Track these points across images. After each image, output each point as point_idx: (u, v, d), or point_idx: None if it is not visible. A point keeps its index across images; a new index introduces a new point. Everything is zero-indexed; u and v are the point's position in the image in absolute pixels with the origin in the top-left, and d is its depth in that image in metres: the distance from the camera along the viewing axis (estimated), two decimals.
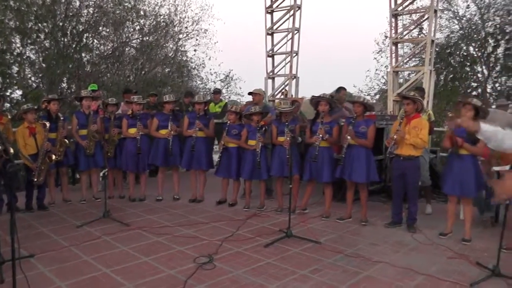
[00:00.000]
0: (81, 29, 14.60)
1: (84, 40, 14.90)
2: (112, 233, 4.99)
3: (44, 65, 13.68)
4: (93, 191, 6.74)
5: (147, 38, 17.09)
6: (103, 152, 6.33)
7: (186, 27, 18.50)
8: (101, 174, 5.71)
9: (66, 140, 6.15)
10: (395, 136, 5.18)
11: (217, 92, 9.94)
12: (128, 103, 6.84)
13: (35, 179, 5.74)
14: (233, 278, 3.80)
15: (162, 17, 17.47)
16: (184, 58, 19.08)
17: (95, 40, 15.69)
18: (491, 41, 15.90)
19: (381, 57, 17.95)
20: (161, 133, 6.48)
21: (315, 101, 5.81)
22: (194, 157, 6.39)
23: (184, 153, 6.47)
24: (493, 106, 11.54)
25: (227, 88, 20.34)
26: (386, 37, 16.47)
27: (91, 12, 14.86)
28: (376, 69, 18.94)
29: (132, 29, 16.72)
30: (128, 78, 16.70)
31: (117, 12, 15.58)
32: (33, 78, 14.20)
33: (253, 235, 5.03)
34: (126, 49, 16.85)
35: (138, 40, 17.12)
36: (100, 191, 6.47)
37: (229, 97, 19.89)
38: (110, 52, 16.17)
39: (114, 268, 3.96)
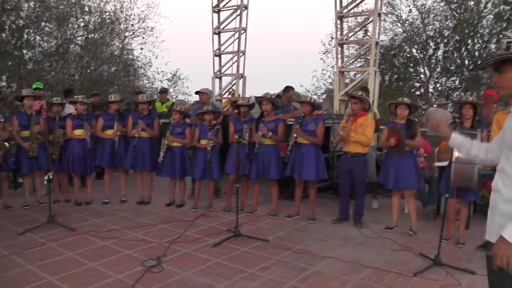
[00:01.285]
0: (21, 24, 13.90)
1: (25, 36, 14.21)
2: (57, 239, 4.80)
3: None
4: (37, 196, 6.43)
5: (92, 35, 16.63)
6: (47, 154, 6.06)
7: (133, 25, 18.20)
8: (45, 177, 5.47)
9: (6, 143, 5.84)
10: (341, 132, 5.35)
11: (164, 91, 9.82)
12: (72, 102, 6.60)
13: None
14: (181, 280, 3.78)
15: (107, 14, 17.08)
16: (131, 57, 18.78)
17: (37, 36, 15.02)
18: (431, 44, 16.75)
19: (328, 57, 18.50)
20: (107, 134, 6.33)
21: (258, 101, 5.91)
22: (137, 157, 6.27)
23: (128, 154, 6.34)
24: (435, 105, 12.16)
25: (174, 87, 20.20)
26: (332, 38, 16.91)
27: (32, 6, 14.18)
28: (323, 69, 19.43)
29: (76, 26, 16.24)
30: (73, 77, 16.14)
31: (61, 7, 15.03)
32: None
33: (202, 236, 5.02)
34: (71, 46, 16.28)
35: (83, 37, 16.58)
36: (45, 195, 6.19)
37: (177, 97, 19.77)
38: (54, 49, 15.54)
39: (60, 276, 3.81)
